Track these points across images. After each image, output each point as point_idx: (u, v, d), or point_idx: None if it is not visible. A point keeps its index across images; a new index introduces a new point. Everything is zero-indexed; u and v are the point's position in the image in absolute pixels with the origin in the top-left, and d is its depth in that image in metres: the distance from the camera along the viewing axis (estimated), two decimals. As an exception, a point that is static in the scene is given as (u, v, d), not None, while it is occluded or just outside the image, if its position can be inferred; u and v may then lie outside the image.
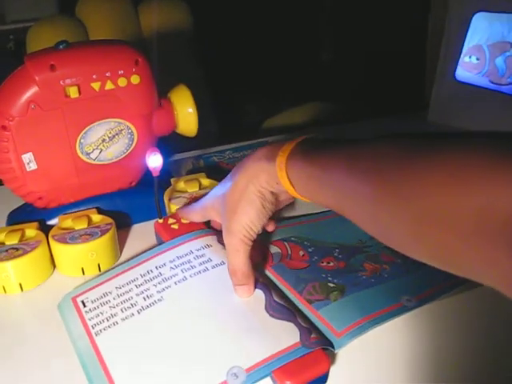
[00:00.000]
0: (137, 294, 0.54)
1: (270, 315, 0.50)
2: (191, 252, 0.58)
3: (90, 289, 0.56)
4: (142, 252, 0.60)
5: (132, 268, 0.57)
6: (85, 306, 0.54)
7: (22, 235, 0.63)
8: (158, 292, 0.54)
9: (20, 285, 0.59)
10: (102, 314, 0.52)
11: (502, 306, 0.59)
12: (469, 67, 1.02)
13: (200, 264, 0.56)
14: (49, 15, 1.71)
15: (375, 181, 0.39)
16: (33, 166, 0.65)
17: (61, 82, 0.62)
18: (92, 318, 0.52)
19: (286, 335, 0.47)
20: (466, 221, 0.32)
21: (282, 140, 0.52)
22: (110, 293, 0.55)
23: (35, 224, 0.65)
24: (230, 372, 0.45)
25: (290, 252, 0.62)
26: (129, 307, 0.53)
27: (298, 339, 0.47)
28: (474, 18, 1.01)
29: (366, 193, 0.40)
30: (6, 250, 0.60)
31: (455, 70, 1.03)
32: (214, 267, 0.56)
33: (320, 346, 0.46)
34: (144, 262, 0.58)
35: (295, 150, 0.49)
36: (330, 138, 0.49)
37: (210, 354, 0.47)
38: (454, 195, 0.32)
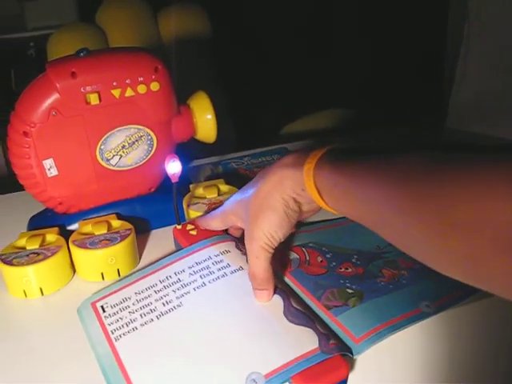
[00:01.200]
0: (156, 300, 0.54)
1: (289, 321, 0.50)
2: (210, 258, 0.58)
3: (110, 294, 0.57)
4: (161, 258, 0.61)
5: (151, 274, 0.58)
6: (104, 311, 0.54)
7: (43, 240, 0.64)
8: (177, 298, 0.54)
9: (41, 289, 0.60)
10: (121, 319, 0.53)
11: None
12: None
13: (219, 270, 0.57)
14: (69, 22, 1.74)
15: (403, 193, 0.39)
16: (53, 172, 0.66)
17: (81, 89, 0.63)
18: (111, 323, 0.53)
19: (305, 341, 0.47)
20: (492, 235, 0.32)
21: (307, 148, 0.52)
22: (130, 298, 0.55)
23: (56, 229, 0.66)
24: (248, 378, 0.45)
25: (308, 258, 0.62)
26: (148, 313, 0.53)
27: (316, 345, 0.47)
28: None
29: (394, 205, 0.40)
30: (27, 255, 0.61)
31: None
32: (232, 273, 0.56)
33: (339, 352, 0.46)
34: (163, 267, 0.58)
35: (324, 158, 0.49)
36: (359, 147, 0.49)
37: (228, 360, 0.47)
38: (480, 210, 0.32)
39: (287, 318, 0.50)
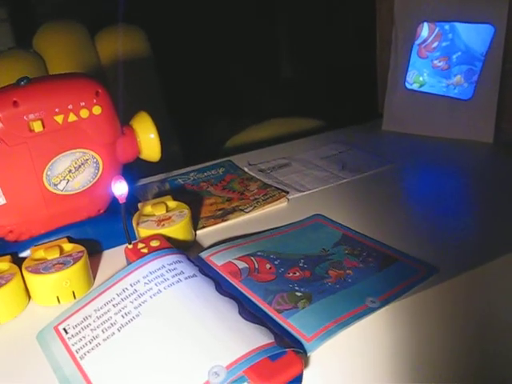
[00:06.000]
0: (115, 313, 0.55)
1: (245, 319, 0.52)
2: (163, 266, 0.60)
3: (70, 315, 0.57)
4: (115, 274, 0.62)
5: (108, 289, 0.59)
6: (67, 332, 0.55)
7: (-4, 269, 0.64)
8: (135, 308, 0.55)
9: (-3, 318, 0.61)
10: (84, 337, 0.54)
11: (459, 305, 0.63)
12: (418, 76, 1.07)
13: (173, 276, 0.58)
14: (5, 48, 1.72)
15: None
16: (1, 201, 0.66)
17: (24, 118, 0.64)
18: (75, 343, 0.54)
19: (262, 335, 0.49)
20: None
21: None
22: (90, 316, 0.56)
23: (8, 257, 0.67)
24: (211, 371, 0.46)
25: (257, 266, 0.64)
26: (109, 327, 0.54)
27: (272, 339, 0.49)
28: (419, 28, 1.05)
29: None
30: (-19, 285, 0.61)
31: (405, 79, 1.08)
32: (186, 278, 0.58)
33: (293, 347, 0.49)
34: (118, 281, 0.60)
35: None
36: None
37: (191, 357, 0.49)
38: None
39: (243, 317, 0.52)
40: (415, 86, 1.07)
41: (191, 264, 0.61)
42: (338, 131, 1.14)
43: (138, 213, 0.74)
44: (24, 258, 0.66)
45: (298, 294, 0.59)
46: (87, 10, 1.81)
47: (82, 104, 0.67)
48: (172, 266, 0.60)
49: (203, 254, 0.68)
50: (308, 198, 0.84)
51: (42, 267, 0.63)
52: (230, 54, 2.16)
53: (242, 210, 0.80)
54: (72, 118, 0.67)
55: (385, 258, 0.65)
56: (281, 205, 0.82)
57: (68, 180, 0.69)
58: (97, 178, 0.71)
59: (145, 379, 0.48)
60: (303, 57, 2.36)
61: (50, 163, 0.67)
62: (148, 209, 0.75)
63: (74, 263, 0.63)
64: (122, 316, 0.55)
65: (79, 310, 0.58)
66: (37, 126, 0.65)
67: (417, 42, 1.06)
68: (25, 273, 0.63)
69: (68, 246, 0.68)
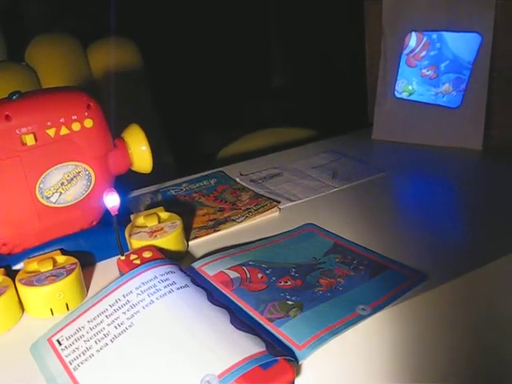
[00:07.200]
0: (108, 324, 0.56)
1: (237, 328, 0.52)
2: (155, 277, 0.60)
3: (64, 327, 0.58)
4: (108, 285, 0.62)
5: (101, 300, 0.59)
6: (60, 344, 0.56)
7: (-11, 282, 0.65)
8: (128, 318, 0.56)
9: (-10, 330, 0.61)
10: (77, 349, 0.54)
11: (448, 311, 0.63)
12: (407, 85, 1.08)
13: (165, 287, 0.58)
14: (-1, 61, 1.73)
15: None
16: (-6, 214, 0.67)
17: (17, 131, 0.65)
18: (69, 354, 0.54)
19: (253, 344, 0.50)
20: None
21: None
22: (83, 327, 0.57)
23: (1, 270, 0.67)
24: (203, 380, 0.47)
25: (248, 276, 0.65)
26: (102, 338, 0.55)
27: (264, 348, 0.49)
28: (407, 38, 1.07)
29: None
30: (-25, 298, 0.61)
31: (394, 88, 1.09)
32: (178, 289, 0.58)
33: (285, 355, 0.49)
34: (111, 292, 0.60)
35: None
36: None
37: (183, 367, 0.49)
38: None
39: (234, 326, 0.53)
40: (404, 95, 1.08)
41: (183, 274, 0.61)
42: (328, 140, 1.15)
43: (130, 224, 0.75)
44: (17, 271, 0.66)
45: (290, 302, 0.59)
46: (77, 22, 1.82)
47: (74, 117, 0.68)
48: (164, 276, 0.60)
49: (195, 265, 0.68)
50: (299, 208, 0.85)
51: (35, 279, 0.64)
52: (222, 64, 2.17)
53: (233, 220, 0.81)
54: (64, 131, 0.67)
55: (375, 265, 0.65)
56: (272, 214, 0.83)
57: (60, 193, 0.70)
58: (89, 191, 0.72)
59: None
60: (294, 67, 2.38)
61: (42, 176, 0.68)
62: (140, 220, 0.75)
63: (67, 275, 0.63)
64: (115, 327, 0.55)
65: (72, 321, 0.58)
66: (29, 140, 0.65)
67: (405, 51, 1.07)
68: (18, 285, 0.63)
69: (61, 258, 0.68)
